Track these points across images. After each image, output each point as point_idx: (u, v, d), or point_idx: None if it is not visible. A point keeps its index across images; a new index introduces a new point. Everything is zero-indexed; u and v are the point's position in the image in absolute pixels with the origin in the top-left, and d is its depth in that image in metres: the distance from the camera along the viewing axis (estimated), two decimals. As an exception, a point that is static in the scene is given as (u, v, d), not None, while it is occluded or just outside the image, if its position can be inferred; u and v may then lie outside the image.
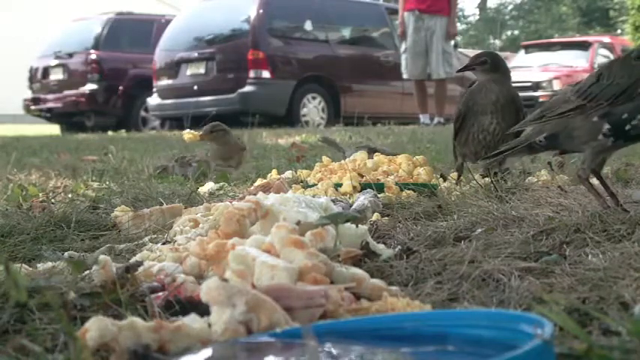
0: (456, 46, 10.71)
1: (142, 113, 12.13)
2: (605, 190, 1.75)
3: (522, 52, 16.66)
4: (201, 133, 3.03)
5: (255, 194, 1.73)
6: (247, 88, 9.84)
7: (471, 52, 14.61)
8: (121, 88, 12.00)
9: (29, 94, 12.85)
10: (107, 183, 2.94)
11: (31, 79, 12.89)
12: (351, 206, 1.84)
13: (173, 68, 10.69)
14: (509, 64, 16.14)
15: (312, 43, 10.72)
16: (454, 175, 2.57)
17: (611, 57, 15.29)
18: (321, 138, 4.08)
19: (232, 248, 1.24)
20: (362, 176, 2.42)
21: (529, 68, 14.69)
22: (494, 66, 2.40)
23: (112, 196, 2.49)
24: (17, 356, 0.98)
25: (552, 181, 2.32)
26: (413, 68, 8.61)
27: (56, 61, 12.37)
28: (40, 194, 2.63)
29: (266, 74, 9.90)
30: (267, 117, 9.20)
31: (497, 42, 35.84)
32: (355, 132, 6.89)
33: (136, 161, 4.21)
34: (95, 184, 2.92)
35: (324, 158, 2.75)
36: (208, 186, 2.62)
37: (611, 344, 0.89)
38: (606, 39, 16.54)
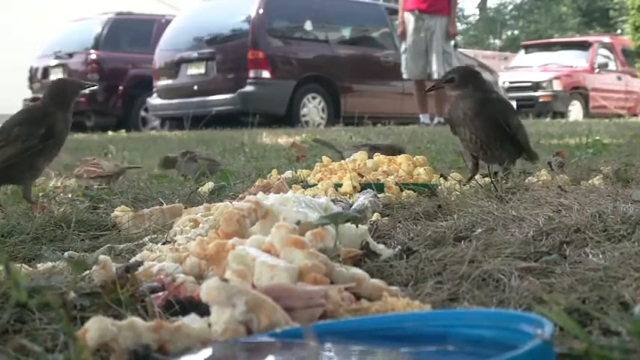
0: (456, 46, 10.71)
1: (142, 113, 12.13)
2: None
3: (522, 52, 16.67)
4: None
5: (255, 194, 1.73)
6: (247, 88, 9.83)
7: (471, 52, 14.66)
8: (121, 88, 12.00)
9: (29, 94, 12.85)
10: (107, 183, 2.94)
11: (31, 79, 12.88)
12: (351, 206, 1.84)
13: (173, 68, 10.69)
14: (509, 64, 16.20)
15: (312, 43, 10.72)
16: (454, 175, 2.57)
17: (611, 57, 15.32)
18: (314, 139, 4.07)
19: (232, 248, 1.24)
20: (362, 176, 2.42)
21: (529, 68, 14.71)
22: (462, 81, 2.46)
23: (112, 196, 2.50)
24: (17, 356, 0.98)
25: (552, 181, 2.32)
26: (413, 68, 8.61)
27: (56, 61, 12.37)
28: (40, 194, 2.63)
29: (266, 74, 9.90)
30: (267, 117, 9.20)
31: (498, 42, 35.83)
32: (355, 132, 6.89)
33: (136, 161, 4.21)
34: (95, 185, 2.92)
35: (324, 158, 2.75)
36: (208, 186, 2.62)
37: (611, 344, 0.89)
38: (606, 39, 16.55)
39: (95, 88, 2.88)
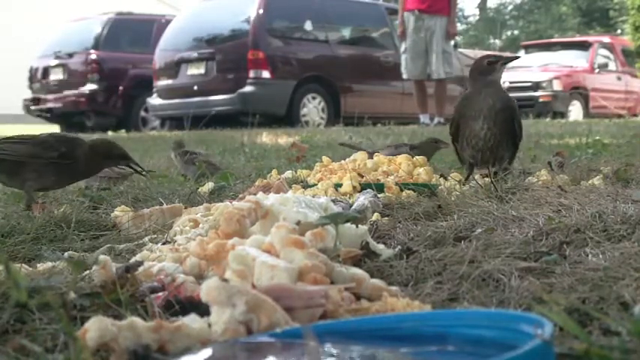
0: (456, 46, 10.71)
1: (142, 113, 12.13)
2: None
3: (522, 52, 16.66)
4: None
5: (255, 194, 1.73)
6: (247, 88, 9.84)
7: (471, 52, 14.66)
8: (121, 88, 12.00)
9: (29, 94, 12.85)
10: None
11: (31, 79, 12.89)
12: (351, 206, 1.84)
13: (173, 68, 10.69)
14: (509, 64, 16.21)
15: (312, 43, 10.72)
16: (454, 175, 2.57)
17: (611, 57, 15.31)
18: (340, 143, 4.07)
19: (232, 248, 1.24)
20: (362, 176, 2.42)
21: (529, 68, 14.69)
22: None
23: (111, 196, 2.50)
24: (17, 356, 0.98)
25: (552, 181, 2.32)
26: (413, 68, 8.61)
27: (56, 61, 12.37)
28: (40, 194, 2.63)
29: (266, 74, 9.90)
30: (267, 117, 9.20)
31: (497, 42, 35.82)
32: (355, 132, 6.89)
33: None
34: (95, 184, 2.92)
35: (324, 158, 2.75)
36: (208, 186, 2.62)
37: (611, 344, 0.89)
38: (606, 39, 16.53)
39: (143, 173, 2.84)
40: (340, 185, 2.31)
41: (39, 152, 2.25)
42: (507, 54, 18.68)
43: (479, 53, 18.04)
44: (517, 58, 2.54)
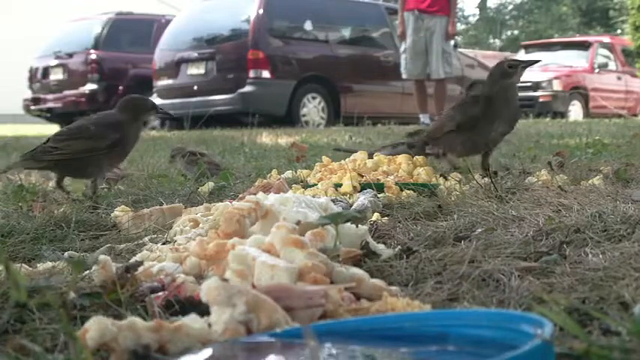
0: (455, 46, 10.71)
1: (142, 113, 12.11)
2: None
3: (522, 52, 16.65)
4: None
5: (255, 194, 1.73)
6: (247, 88, 9.83)
7: (471, 52, 14.65)
8: (121, 88, 12.00)
9: (29, 94, 12.85)
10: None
11: (31, 79, 12.89)
12: (351, 206, 1.84)
13: (173, 68, 10.68)
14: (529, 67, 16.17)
15: (312, 43, 10.72)
16: (454, 175, 2.57)
17: (611, 57, 15.30)
18: (335, 148, 4.09)
19: (232, 248, 1.24)
20: (362, 176, 2.42)
21: (529, 68, 14.67)
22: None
23: (111, 196, 2.50)
24: (17, 356, 0.98)
25: (552, 181, 2.32)
26: (412, 68, 8.60)
27: (56, 61, 12.37)
28: (40, 194, 2.63)
29: (266, 74, 9.90)
30: (267, 117, 9.20)
31: (498, 42, 35.82)
32: (355, 132, 6.89)
33: (136, 161, 4.21)
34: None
35: (324, 158, 2.75)
36: (208, 186, 2.62)
37: (611, 344, 0.89)
38: (606, 39, 16.53)
39: (167, 115, 3.24)
40: (340, 185, 2.30)
41: (93, 145, 2.32)
42: (507, 53, 18.59)
43: (479, 53, 18.07)
44: (538, 61, 2.55)
